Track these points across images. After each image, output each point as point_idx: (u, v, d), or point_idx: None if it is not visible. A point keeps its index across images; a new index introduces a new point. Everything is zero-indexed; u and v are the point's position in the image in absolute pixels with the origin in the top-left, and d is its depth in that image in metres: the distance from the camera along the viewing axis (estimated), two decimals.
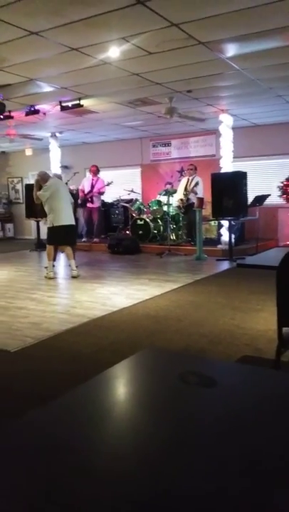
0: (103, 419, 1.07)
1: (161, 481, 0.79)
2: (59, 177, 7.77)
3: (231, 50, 5.56)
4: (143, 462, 0.87)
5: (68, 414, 1.11)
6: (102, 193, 11.30)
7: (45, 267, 7.45)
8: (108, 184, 11.02)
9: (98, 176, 11.28)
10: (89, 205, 11.13)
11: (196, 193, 9.71)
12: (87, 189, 11.12)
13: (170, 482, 0.79)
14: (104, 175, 11.68)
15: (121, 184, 11.62)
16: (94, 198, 11.13)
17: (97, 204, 11.25)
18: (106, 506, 0.74)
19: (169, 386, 1.23)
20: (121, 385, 1.30)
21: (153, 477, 0.81)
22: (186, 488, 0.77)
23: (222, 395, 1.18)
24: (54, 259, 7.64)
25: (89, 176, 11.38)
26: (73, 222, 7.33)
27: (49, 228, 7.22)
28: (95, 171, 11.24)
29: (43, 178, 7.31)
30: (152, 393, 1.22)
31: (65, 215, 7.12)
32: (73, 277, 7.18)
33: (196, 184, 9.90)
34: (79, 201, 10.97)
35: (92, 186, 11.13)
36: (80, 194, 11.12)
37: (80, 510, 0.73)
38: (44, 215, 7.45)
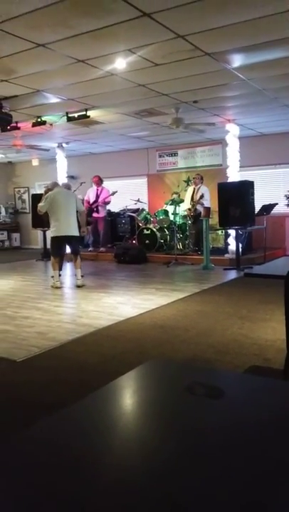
0: (110, 430, 1.06)
1: (167, 493, 0.78)
2: (68, 186, 7.71)
3: (237, 60, 5.59)
4: (149, 474, 0.86)
5: (75, 425, 1.10)
6: (107, 203, 11.35)
7: (52, 277, 7.46)
8: (113, 194, 11.06)
9: (102, 185, 11.33)
10: (94, 214, 11.17)
11: (202, 204, 9.71)
12: (92, 199, 11.17)
13: (176, 494, 0.78)
14: (111, 185, 11.73)
15: (127, 194, 11.65)
16: (99, 208, 11.18)
17: (102, 214, 11.29)
18: None
19: (176, 397, 1.22)
20: (127, 396, 1.29)
21: (159, 489, 0.80)
22: (192, 501, 0.76)
23: (229, 406, 1.17)
24: (60, 269, 7.66)
25: (93, 186, 11.42)
26: (72, 233, 7.12)
27: (50, 238, 7.35)
28: (98, 181, 11.30)
29: (50, 189, 7.41)
30: (159, 404, 1.21)
31: (62, 226, 7.07)
32: (77, 286, 7.18)
33: (202, 196, 9.91)
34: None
35: (97, 196, 11.17)
36: (85, 205, 11.15)
37: None
38: (49, 225, 7.50)
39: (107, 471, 0.88)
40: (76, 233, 7.20)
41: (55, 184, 7.60)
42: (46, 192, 7.43)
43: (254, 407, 1.16)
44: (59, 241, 7.20)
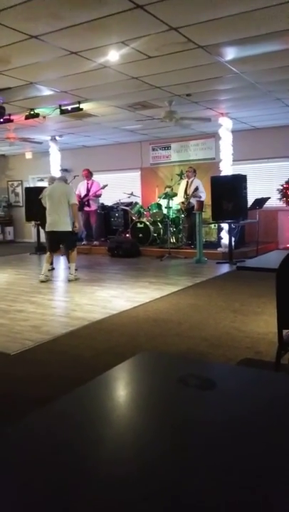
0: (102, 422, 1.06)
1: (161, 486, 0.79)
2: (64, 180, 7.62)
3: (230, 53, 5.58)
4: (142, 467, 0.86)
5: (67, 417, 1.10)
6: (98, 196, 11.33)
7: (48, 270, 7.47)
8: (104, 187, 11.04)
9: (92, 179, 11.30)
10: (86, 208, 11.15)
11: (199, 197, 9.70)
12: (83, 193, 11.15)
13: (169, 487, 0.79)
14: (104, 178, 11.70)
15: (121, 187, 11.63)
16: (90, 202, 11.16)
17: (94, 207, 11.27)
18: (105, 510, 0.74)
19: (169, 389, 1.23)
20: (120, 387, 1.30)
21: (152, 482, 0.81)
22: (186, 494, 0.77)
23: (222, 398, 1.18)
24: (51, 263, 7.63)
25: (84, 180, 11.37)
26: (60, 229, 7.03)
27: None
28: (87, 175, 11.27)
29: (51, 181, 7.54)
30: (151, 396, 1.21)
31: (50, 221, 7.10)
32: (69, 281, 7.18)
33: (196, 189, 9.91)
34: None
35: (88, 190, 11.15)
36: (77, 199, 11.12)
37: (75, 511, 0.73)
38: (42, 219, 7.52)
39: (100, 464, 0.89)
40: (66, 228, 7.06)
41: (52, 179, 7.62)
42: (49, 181, 7.63)
43: (247, 398, 1.17)
44: (49, 236, 7.22)
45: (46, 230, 7.24)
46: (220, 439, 0.95)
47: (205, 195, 9.86)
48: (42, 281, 7.15)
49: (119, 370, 1.39)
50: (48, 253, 7.29)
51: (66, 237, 7.17)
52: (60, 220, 7.04)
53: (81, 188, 11.25)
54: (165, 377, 1.30)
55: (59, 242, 7.32)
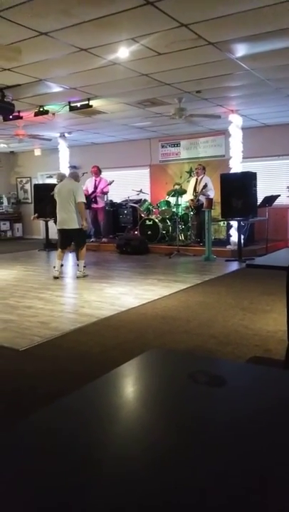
0: (110, 418, 1.06)
1: (168, 483, 0.79)
2: (74, 176, 7.59)
3: (241, 50, 5.55)
4: (150, 463, 0.86)
5: (76, 413, 1.11)
6: (105, 193, 11.33)
7: (54, 267, 7.51)
8: (110, 183, 11.01)
9: (100, 176, 11.29)
10: (93, 205, 11.15)
11: (208, 195, 9.67)
12: (90, 190, 11.14)
13: (174, 485, 0.78)
14: (113, 175, 11.70)
15: (130, 185, 11.62)
16: (98, 199, 11.15)
17: (101, 204, 11.26)
18: (111, 507, 0.74)
19: (177, 386, 1.22)
20: (128, 384, 1.30)
21: (159, 479, 0.81)
22: (190, 492, 0.76)
23: (231, 395, 1.17)
24: (78, 259, 7.67)
25: (92, 177, 11.37)
26: (67, 226, 7.08)
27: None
28: (97, 172, 11.25)
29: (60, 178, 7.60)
30: (160, 393, 1.21)
31: (59, 220, 7.23)
32: (77, 278, 7.20)
33: (205, 186, 9.87)
34: None
35: (96, 187, 11.14)
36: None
37: (83, 508, 0.73)
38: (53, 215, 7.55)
39: (108, 461, 0.89)
40: (73, 226, 7.08)
41: (61, 176, 7.65)
42: (58, 179, 7.66)
43: (256, 396, 1.17)
44: (60, 233, 7.30)
45: (57, 227, 7.38)
46: (227, 438, 0.95)
47: (214, 192, 9.82)
48: (56, 277, 7.19)
49: (129, 367, 1.39)
50: (60, 250, 7.32)
51: (76, 235, 7.21)
52: (68, 218, 7.08)
53: (88, 185, 11.24)
54: (174, 375, 1.30)
55: (70, 239, 7.36)
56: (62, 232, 7.21)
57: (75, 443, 0.95)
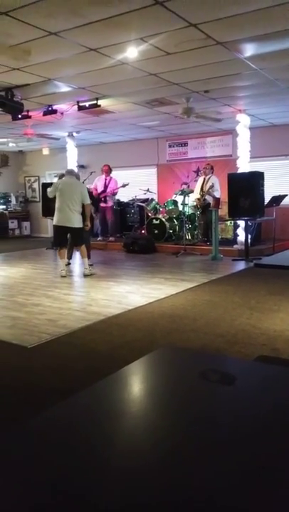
0: (120, 415, 1.08)
1: (173, 479, 0.80)
2: (77, 176, 7.65)
3: (249, 50, 5.55)
4: (156, 460, 0.88)
5: (87, 410, 1.13)
6: (115, 194, 11.34)
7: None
8: (124, 186, 11.00)
9: (111, 175, 11.30)
10: (102, 204, 11.16)
11: (214, 196, 9.66)
12: (100, 189, 11.14)
13: (181, 481, 0.80)
14: (120, 175, 11.72)
15: (137, 184, 11.63)
16: (107, 198, 11.17)
17: (110, 203, 11.28)
18: (118, 501, 0.75)
19: (188, 384, 1.24)
20: (139, 382, 1.32)
21: (164, 475, 0.82)
22: (197, 488, 0.78)
23: (240, 394, 1.19)
24: (70, 257, 7.71)
25: (102, 175, 11.39)
26: (70, 225, 7.06)
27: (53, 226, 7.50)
28: (108, 171, 11.25)
29: (61, 176, 7.51)
30: (170, 391, 1.23)
31: (60, 216, 7.09)
32: (84, 276, 7.22)
33: (211, 186, 9.86)
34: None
35: (106, 186, 11.15)
36: (94, 192, 11.14)
37: (93, 502, 0.75)
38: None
39: (116, 456, 0.91)
40: (76, 225, 7.09)
41: (68, 172, 7.58)
42: (59, 178, 7.53)
43: (265, 394, 1.18)
44: (58, 230, 7.26)
45: (55, 223, 7.20)
46: (234, 436, 0.96)
47: (219, 193, 9.80)
48: (63, 276, 7.22)
49: (140, 365, 1.41)
50: (60, 248, 7.35)
51: (77, 233, 7.21)
52: (73, 216, 7.06)
53: (98, 183, 11.24)
54: (185, 373, 1.32)
55: (66, 237, 7.36)
56: (61, 229, 7.16)
57: (86, 438, 0.97)
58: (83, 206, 7.20)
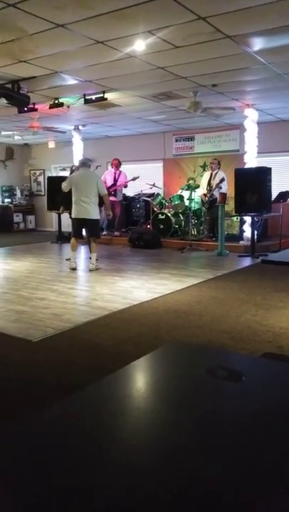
0: (126, 412, 1.07)
1: (174, 476, 0.79)
2: (85, 163, 7.64)
3: (258, 43, 5.48)
4: (158, 456, 0.87)
5: (93, 405, 1.12)
6: (125, 187, 11.34)
7: (67, 259, 7.54)
8: (134, 179, 10.97)
9: (120, 169, 11.28)
10: (112, 198, 11.14)
11: (220, 188, 9.62)
12: (109, 183, 11.12)
13: (185, 477, 0.79)
14: (127, 169, 11.68)
15: (143, 178, 11.60)
16: (117, 192, 11.15)
17: (120, 198, 11.28)
18: (121, 496, 0.75)
19: (195, 380, 1.23)
20: (146, 378, 1.31)
21: (166, 471, 0.81)
22: (198, 484, 0.77)
23: (246, 390, 1.18)
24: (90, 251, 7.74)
25: (111, 169, 11.37)
26: (87, 216, 7.12)
27: (70, 219, 7.49)
28: (117, 165, 11.22)
29: (74, 169, 7.49)
30: (177, 387, 1.21)
31: (78, 209, 7.13)
32: (90, 271, 7.22)
33: (222, 180, 9.80)
34: None
35: (115, 180, 11.12)
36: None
37: (95, 498, 0.74)
38: (64, 205, 7.50)
39: (119, 452, 0.90)
40: (94, 216, 7.17)
41: (82, 164, 7.57)
42: (71, 171, 7.51)
43: (272, 391, 1.17)
44: (76, 223, 7.29)
45: (74, 216, 7.23)
46: (239, 433, 0.95)
47: (226, 188, 9.76)
48: (73, 269, 7.23)
49: (147, 360, 1.40)
50: (74, 239, 7.36)
51: (93, 225, 7.30)
52: (90, 208, 7.12)
53: (108, 177, 11.21)
54: (192, 369, 1.31)
55: (82, 229, 7.42)
56: (79, 221, 7.21)
57: (90, 435, 0.96)
58: (100, 197, 7.24)
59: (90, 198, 7.11)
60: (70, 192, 7.27)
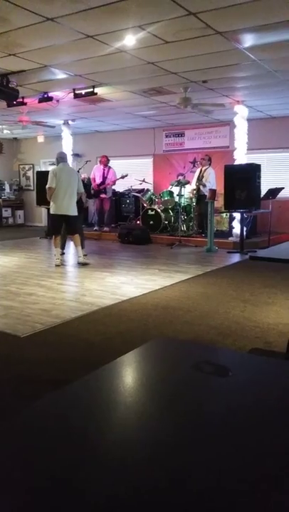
0: (112, 406, 1.07)
1: (164, 471, 0.80)
2: (63, 156, 7.55)
3: (249, 40, 5.49)
4: (147, 450, 0.88)
5: (79, 401, 1.12)
6: (114, 184, 11.32)
7: (55, 255, 7.52)
8: (123, 177, 10.94)
9: (109, 166, 11.24)
10: (101, 195, 11.13)
11: (204, 186, 9.66)
12: (98, 180, 11.08)
13: (172, 472, 0.79)
14: (116, 164, 11.65)
15: (133, 174, 11.58)
16: (107, 189, 11.13)
17: (109, 194, 11.27)
18: (107, 491, 0.75)
19: (181, 375, 1.23)
20: (132, 373, 1.31)
21: (155, 465, 0.82)
22: (191, 479, 0.77)
23: (234, 386, 1.18)
24: (63, 247, 7.69)
25: (99, 165, 11.32)
26: (70, 213, 7.08)
27: (49, 215, 7.49)
28: (106, 162, 11.19)
29: (57, 160, 7.35)
30: (163, 382, 1.22)
31: (61, 205, 7.05)
32: (79, 263, 7.20)
33: (203, 176, 9.83)
34: (91, 192, 10.96)
35: (104, 177, 11.09)
36: (93, 183, 11.11)
37: (82, 492, 0.74)
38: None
39: (106, 447, 0.90)
40: (74, 213, 7.15)
41: (62, 158, 7.45)
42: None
43: (259, 386, 1.18)
44: (56, 219, 7.23)
45: (56, 212, 7.13)
46: (226, 427, 0.95)
47: (213, 185, 9.76)
48: (57, 266, 7.20)
49: (134, 356, 1.40)
50: (55, 237, 7.32)
51: (75, 221, 7.24)
52: (71, 204, 7.10)
53: (96, 174, 11.18)
54: (179, 364, 1.31)
55: (62, 224, 7.35)
56: (60, 217, 7.14)
57: (78, 430, 0.96)
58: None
59: (72, 193, 7.08)
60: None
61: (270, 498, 0.73)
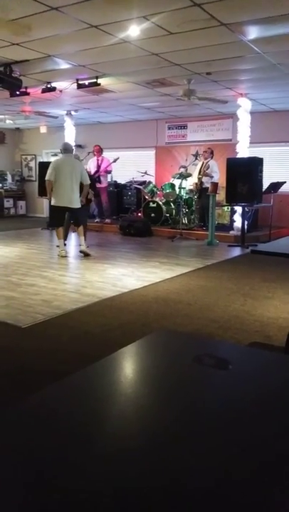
0: (112, 398, 1.08)
1: (162, 464, 0.80)
2: (77, 156, 7.57)
3: (254, 32, 5.45)
4: (145, 443, 0.88)
5: (79, 392, 1.12)
6: (109, 172, 11.25)
7: (57, 246, 7.52)
8: (114, 161, 10.88)
9: (102, 155, 11.19)
10: (97, 185, 11.07)
11: (211, 177, 9.62)
12: (93, 170, 11.04)
13: (172, 463, 0.80)
14: (118, 155, 11.60)
15: (135, 166, 11.55)
16: (101, 178, 11.05)
17: (104, 184, 11.18)
18: (106, 484, 0.75)
19: (181, 368, 1.24)
20: (133, 365, 1.31)
21: (153, 458, 0.82)
22: (189, 472, 0.78)
23: (234, 379, 1.19)
24: (65, 238, 7.69)
25: (94, 157, 11.26)
26: (73, 205, 7.07)
27: (51, 207, 7.38)
28: (99, 151, 11.12)
29: (61, 151, 7.34)
30: (164, 375, 1.23)
31: (63, 197, 7.02)
32: (80, 252, 7.21)
33: (207, 167, 9.79)
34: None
35: (98, 166, 11.04)
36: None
37: (82, 484, 0.75)
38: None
39: (107, 439, 0.91)
40: (78, 205, 7.14)
41: (66, 150, 7.41)
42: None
43: (259, 380, 1.18)
44: (58, 211, 7.20)
45: (58, 204, 7.11)
46: (225, 420, 0.96)
47: (218, 175, 9.75)
48: (63, 257, 7.21)
49: (134, 348, 1.40)
50: (60, 228, 7.32)
51: (79, 213, 7.23)
52: (75, 197, 7.08)
53: (91, 165, 11.13)
54: (179, 357, 1.32)
55: (64, 216, 7.33)
56: (63, 209, 7.14)
57: (77, 422, 0.97)
58: (81, 185, 7.17)
59: (74, 185, 7.04)
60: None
61: (271, 491, 0.74)
